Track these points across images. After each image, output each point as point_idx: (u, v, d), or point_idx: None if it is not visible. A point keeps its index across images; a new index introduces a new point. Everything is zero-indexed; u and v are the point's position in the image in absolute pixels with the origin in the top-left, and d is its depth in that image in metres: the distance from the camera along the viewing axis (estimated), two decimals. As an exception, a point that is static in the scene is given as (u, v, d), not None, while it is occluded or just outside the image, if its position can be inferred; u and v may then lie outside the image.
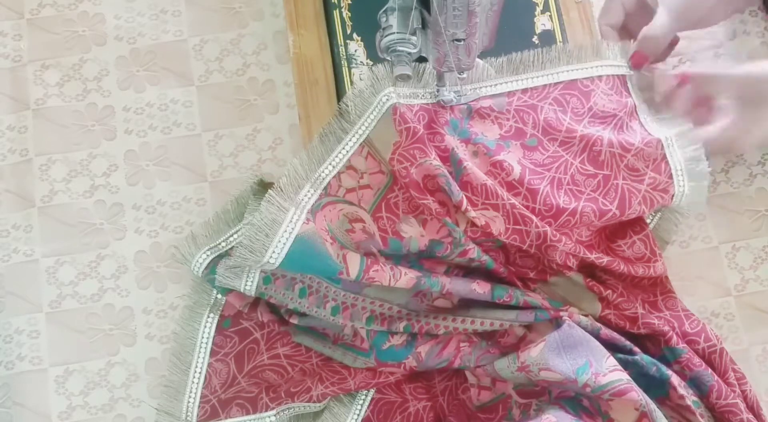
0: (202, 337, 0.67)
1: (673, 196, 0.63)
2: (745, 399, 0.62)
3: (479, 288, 0.62)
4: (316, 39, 0.69)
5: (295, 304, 0.63)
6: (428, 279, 0.62)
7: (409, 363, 0.63)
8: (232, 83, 0.73)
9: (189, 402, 0.65)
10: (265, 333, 0.67)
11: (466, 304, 0.64)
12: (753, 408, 0.62)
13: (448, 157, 0.63)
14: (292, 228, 0.61)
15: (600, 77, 0.66)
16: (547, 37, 0.69)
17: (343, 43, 0.68)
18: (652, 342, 0.64)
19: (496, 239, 0.63)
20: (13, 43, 0.73)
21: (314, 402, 0.63)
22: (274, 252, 0.60)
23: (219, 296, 0.67)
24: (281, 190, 0.63)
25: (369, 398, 0.65)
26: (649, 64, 0.67)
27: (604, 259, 0.63)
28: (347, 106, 0.65)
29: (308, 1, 0.70)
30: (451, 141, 0.64)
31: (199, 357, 0.66)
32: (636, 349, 0.62)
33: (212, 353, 0.66)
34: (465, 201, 0.62)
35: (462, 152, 0.64)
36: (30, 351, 0.68)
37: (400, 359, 0.63)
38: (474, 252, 0.62)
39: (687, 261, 0.68)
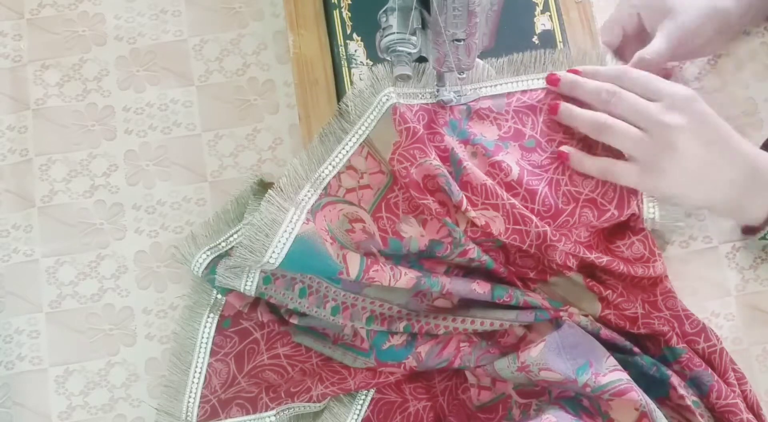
0: (202, 337, 0.67)
1: None
2: (745, 399, 0.62)
3: (479, 288, 0.62)
4: (316, 39, 0.69)
5: (295, 304, 0.63)
6: (428, 279, 0.62)
7: (409, 363, 0.63)
8: (232, 83, 0.73)
9: (189, 402, 0.65)
10: (265, 333, 0.67)
11: (466, 304, 0.64)
12: (753, 408, 0.62)
13: (448, 157, 0.63)
14: (292, 229, 0.61)
15: None
16: (547, 37, 0.69)
17: (343, 43, 0.68)
18: (652, 342, 0.64)
19: (496, 239, 0.63)
20: (13, 43, 0.73)
21: (314, 402, 0.63)
22: (274, 252, 0.60)
23: (219, 296, 0.67)
24: (281, 190, 0.63)
25: (369, 398, 0.65)
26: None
27: (604, 259, 0.63)
28: (347, 106, 0.66)
29: (308, 1, 0.70)
30: (451, 141, 0.64)
31: (199, 357, 0.66)
32: (636, 349, 0.62)
33: (212, 353, 0.66)
34: (465, 201, 0.62)
35: (461, 152, 0.64)
36: (30, 351, 0.68)
37: (400, 359, 0.63)
38: (474, 252, 0.62)
39: (687, 261, 0.68)
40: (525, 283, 0.65)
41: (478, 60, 0.65)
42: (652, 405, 0.57)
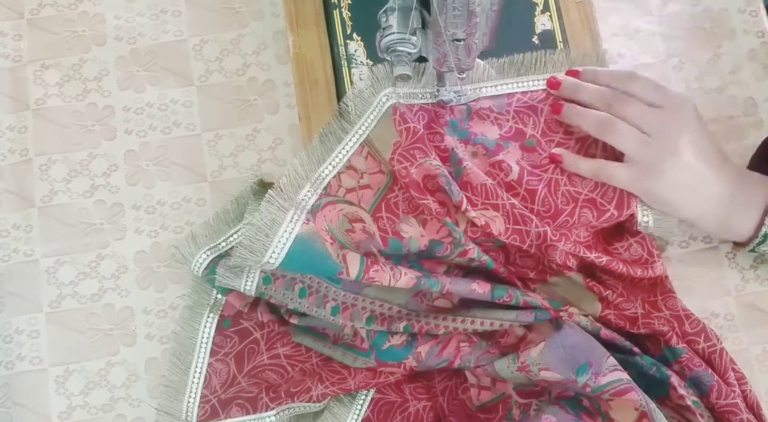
0: (202, 337, 0.67)
1: None
2: (745, 399, 0.62)
3: (479, 288, 0.62)
4: (316, 39, 0.69)
5: (295, 304, 0.63)
6: (428, 280, 0.62)
7: (409, 363, 0.63)
8: (232, 83, 0.73)
9: (189, 402, 0.65)
10: (265, 333, 0.67)
11: (466, 304, 0.64)
12: (753, 408, 0.62)
13: (448, 157, 0.63)
14: (292, 229, 0.61)
15: None
16: (547, 37, 0.69)
17: (343, 43, 0.68)
18: (652, 342, 0.63)
19: (496, 239, 0.63)
20: (13, 43, 0.73)
21: (314, 402, 0.63)
22: (273, 252, 0.60)
23: (219, 296, 0.67)
24: (281, 190, 0.63)
25: (369, 398, 0.65)
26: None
27: (604, 259, 0.63)
28: (347, 106, 0.66)
29: (308, 1, 0.70)
30: (451, 141, 0.64)
31: (199, 357, 0.66)
32: (636, 349, 0.62)
33: (212, 353, 0.66)
34: (465, 201, 0.62)
35: (461, 152, 0.64)
36: (30, 351, 0.68)
37: (400, 359, 0.63)
38: (474, 252, 0.62)
39: (687, 262, 0.68)
40: (525, 283, 0.65)
41: (478, 60, 0.65)
42: (652, 405, 0.57)
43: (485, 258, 0.63)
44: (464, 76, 0.63)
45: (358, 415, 0.64)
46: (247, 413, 0.64)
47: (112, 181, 0.71)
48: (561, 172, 0.64)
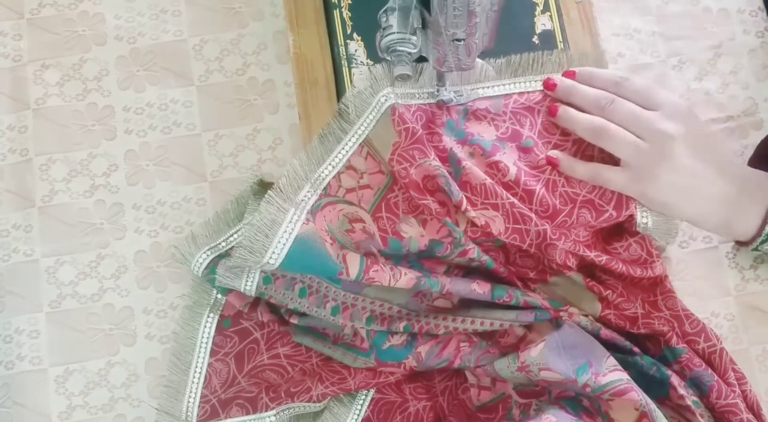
0: (202, 337, 0.67)
1: None
2: (745, 399, 0.62)
3: (479, 288, 0.62)
4: (316, 39, 0.69)
5: (295, 304, 0.63)
6: (428, 280, 0.62)
7: (409, 363, 0.63)
8: (232, 83, 0.73)
9: (189, 402, 0.65)
10: (265, 333, 0.67)
11: (466, 304, 0.64)
12: (753, 408, 0.62)
13: (446, 157, 0.63)
14: (292, 229, 0.61)
15: None
16: (547, 37, 0.68)
17: (343, 43, 0.68)
18: (652, 342, 0.64)
19: (496, 239, 0.63)
20: (13, 43, 0.73)
21: (314, 402, 0.63)
22: (273, 252, 0.60)
23: (219, 296, 0.67)
24: (281, 191, 0.63)
25: (369, 398, 0.65)
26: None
27: (603, 258, 0.63)
28: (346, 106, 0.66)
29: (308, 1, 0.70)
30: (449, 141, 0.64)
31: (199, 357, 0.66)
32: (636, 349, 0.62)
33: (212, 353, 0.66)
34: (465, 201, 0.62)
35: (460, 152, 0.64)
36: (30, 351, 0.68)
37: (400, 359, 0.63)
38: (474, 252, 0.62)
39: (687, 261, 0.68)
40: (525, 283, 0.65)
41: (477, 60, 0.65)
42: (652, 405, 0.57)
43: (485, 258, 0.63)
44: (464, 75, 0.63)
45: (358, 415, 0.64)
46: (247, 413, 0.64)
47: (112, 180, 0.71)
48: (558, 173, 0.64)
